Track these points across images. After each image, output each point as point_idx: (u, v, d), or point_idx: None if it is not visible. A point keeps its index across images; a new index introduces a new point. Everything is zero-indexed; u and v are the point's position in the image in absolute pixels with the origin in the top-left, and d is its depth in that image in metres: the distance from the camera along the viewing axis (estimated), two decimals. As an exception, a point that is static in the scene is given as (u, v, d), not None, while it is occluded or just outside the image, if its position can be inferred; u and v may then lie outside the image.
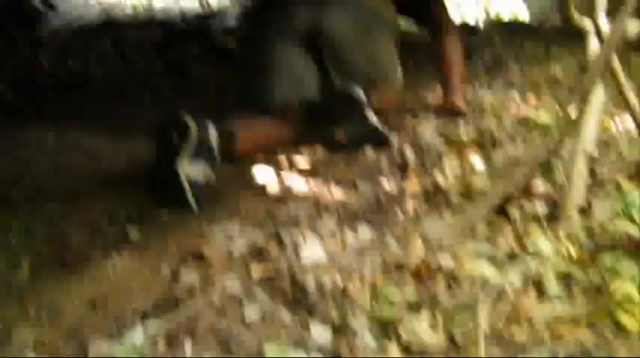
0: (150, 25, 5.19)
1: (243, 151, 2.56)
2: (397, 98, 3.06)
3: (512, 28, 5.07)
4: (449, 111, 3.08)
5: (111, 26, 5.28)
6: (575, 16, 2.31)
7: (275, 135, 2.73)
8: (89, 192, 2.37)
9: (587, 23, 2.24)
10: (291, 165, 2.59)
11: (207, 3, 6.34)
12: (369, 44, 2.90)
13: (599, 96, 2.00)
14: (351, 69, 2.84)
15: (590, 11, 2.36)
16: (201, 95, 3.60)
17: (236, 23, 5.13)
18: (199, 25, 5.15)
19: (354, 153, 2.67)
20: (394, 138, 2.75)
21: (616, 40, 1.97)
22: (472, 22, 5.75)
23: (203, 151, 2.29)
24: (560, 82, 3.54)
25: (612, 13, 2.05)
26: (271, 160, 2.62)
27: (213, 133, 2.35)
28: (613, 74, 2.26)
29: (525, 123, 2.86)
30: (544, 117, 2.91)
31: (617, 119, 2.66)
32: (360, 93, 2.71)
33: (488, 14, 5.95)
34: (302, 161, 2.63)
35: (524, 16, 5.71)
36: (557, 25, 4.86)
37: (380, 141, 2.70)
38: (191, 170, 2.25)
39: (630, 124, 2.35)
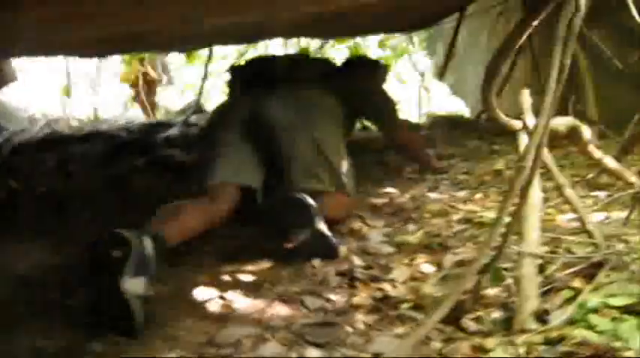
0: (94, 138, 5.10)
1: (172, 239, 2.39)
2: (348, 203, 3.01)
3: (453, 124, 5.13)
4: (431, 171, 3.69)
5: (54, 141, 5.17)
6: (502, 118, 2.32)
7: (204, 217, 2.61)
8: (16, 323, 2.19)
9: (514, 123, 2.24)
10: (235, 281, 2.46)
11: (153, 113, 6.35)
12: (323, 145, 2.91)
13: (535, 194, 1.96)
14: (302, 165, 2.87)
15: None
16: (142, 207, 3.49)
17: (179, 133, 5.11)
18: (143, 136, 5.08)
19: (300, 264, 2.56)
20: (342, 247, 2.66)
21: (543, 136, 1.94)
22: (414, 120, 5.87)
23: (142, 265, 2.13)
24: (505, 177, 3.53)
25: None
26: (214, 276, 2.50)
27: (148, 243, 2.20)
28: (547, 169, 2.25)
29: (474, 222, 2.81)
30: (492, 215, 2.87)
31: (564, 212, 2.63)
32: (309, 199, 2.62)
33: (429, 111, 6.07)
34: (246, 275, 2.51)
35: (464, 111, 5.82)
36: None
37: (328, 251, 2.60)
38: (136, 287, 2.07)
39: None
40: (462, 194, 3.30)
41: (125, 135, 5.19)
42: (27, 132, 5.66)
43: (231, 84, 3.33)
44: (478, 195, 3.26)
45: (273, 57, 3.67)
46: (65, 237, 3.06)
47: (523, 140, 2.31)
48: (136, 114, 7.85)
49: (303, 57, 4.07)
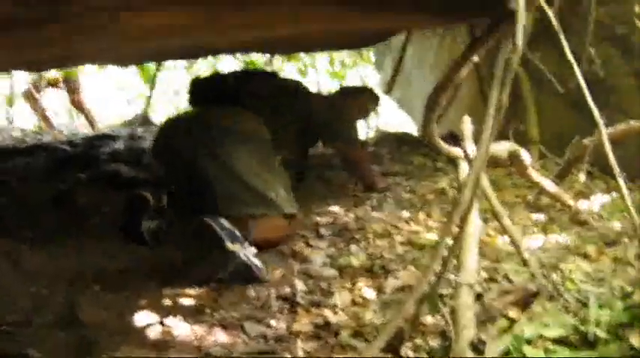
0: (36, 150, 4.96)
1: None
2: (283, 225, 3.00)
3: (400, 141, 5.16)
4: (375, 190, 3.73)
5: (-5, 153, 5.02)
6: (442, 147, 2.33)
7: None
8: None
9: (454, 151, 2.26)
10: (175, 306, 2.42)
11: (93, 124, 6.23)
12: (239, 171, 2.93)
13: (474, 223, 1.97)
14: (220, 192, 2.89)
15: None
16: (85, 224, 3.42)
17: (125, 147, 5.02)
18: (87, 149, 4.98)
19: (241, 287, 2.53)
20: (266, 273, 2.61)
21: (483, 163, 1.95)
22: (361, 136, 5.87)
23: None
24: (448, 196, 3.56)
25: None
26: (154, 300, 2.45)
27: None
28: (486, 197, 2.27)
29: (415, 244, 2.82)
30: (434, 236, 2.88)
31: (502, 237, 2.66)
32: (223, 226, 2.63)
33: (375, 127, 6.11)
34: (186, 299, 2.47)
35: (411, 128, 5.87)
36: (444, 133, 5.00)
37: (249, 277, 2.56)
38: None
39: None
40: (405, 214, 3.31)
41: (69, 149, 5.07)
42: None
43: (189, 97, 3.47)
44: (421, 215, 3.27)
45: (221, 75, 3.68)
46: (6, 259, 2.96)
47: (463, 167, 2.33)
48: (82, 124, 7.69)
49: (256, 73, 4.03)
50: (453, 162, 3.95)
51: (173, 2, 1.65)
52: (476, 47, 2.20)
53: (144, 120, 6.25)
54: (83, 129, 7.08)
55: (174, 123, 3.29)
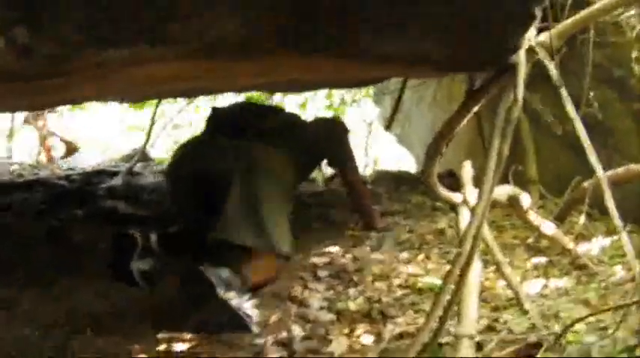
0: (32, 186, 4.93)
1: None
2: (277, 266, 3.01)
3: (398, 179, 5.14)
4: (375, 229, 3.73)
5: (-9, 188, 4.99)
6: (442, 194, 2.32)
7: None
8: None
9: (454, 196, 2.24)
10: (169, 353, 2.37)
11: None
12: (258, 206, 2.99)
13: (474, 273, 1.94)
14: (230, 215, 2.96)
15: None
16: (80, 262, 3.38)
17: (123, 183, 5.00)
18: (84, 185, 4.95)
19: (234, 335, 2.48)
20: (257, 323, 2.55)
21: (483, 216, 1.93)
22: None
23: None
24: (448, 236, 3.53)
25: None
26: (149, 345, 2.41)
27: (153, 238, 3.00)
28: (486, 244, 2.24)
29: (414, 288, 2.78)
30: (434, 279, 2.85)
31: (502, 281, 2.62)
32: (219, 274, 2.64)
33: (374, 165, 6.09)
34: (181, 345, 2.42)
35: (410, 164, 5.85)
36: (443, 172, 4.98)
37: (240, 326, 2.52)
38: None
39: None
40: (404, 255, 3.28)
41: (66, 184, 5.04)
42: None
43: (207, 124, 3.67)
44: (420, 256, 3.24)
45: (243, 107, 3.92)
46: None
47: (463, 214, 2.31)
48: (82, 159, 7.69)
49: (270, 109, 4.30)
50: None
51: (179, 57, 1.66)
52: (477, 98, 2.19)
53: (143, 155, 6.23)
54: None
55: (203, 148, 3.34)
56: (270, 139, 3.29)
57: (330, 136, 3.73)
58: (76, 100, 3.41)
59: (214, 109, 3.76)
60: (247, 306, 2.59)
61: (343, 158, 3.80)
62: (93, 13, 1.38)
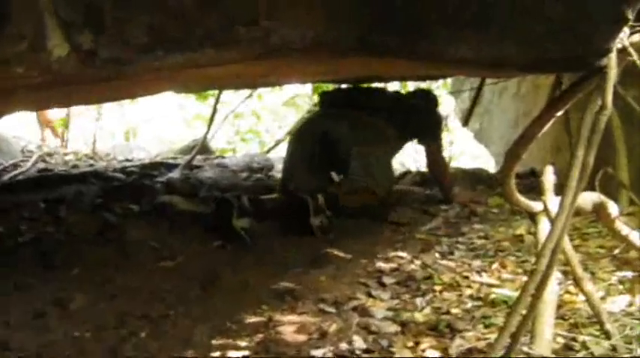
0: (88, 177, 5.12)
1: None
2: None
3: (474, 178, 5.13)
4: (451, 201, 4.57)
5: (45, 180, 5.19)
6: (521, 201, 2.32)
7: None
8: None
9: (533, 205, 2.25)
10: (225, 359, 2.47)
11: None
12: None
13: (551, 289, 1.96)
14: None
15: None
16: (134, 263, 3.51)
17: (181, 177, 5.14)
18: (141, 178, 5.12)
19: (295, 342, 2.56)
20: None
21: (565, 224, 1.95)
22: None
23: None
24: (526, 244, 3.52)
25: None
26: (202, 350, 2.51)
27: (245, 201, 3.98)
28: (565, 257, 2.25)
29: (486, 301, 2.80)
30: (508, 291, 2.86)
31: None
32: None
33: (449, 162, 6.09)
34: (236, 352, 2.51)
35: (488, 162, 5.83)
36: (525, 171, 4.96)
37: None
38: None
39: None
40: (477, 263, 3.30)
41: (122, 176, 5.22)
42: (19, 167, 5.70)
43: (319, 104, 5.00)
44: (495, 265, 3.25)
45: (352, 89, 4.94)
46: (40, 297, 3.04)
47: (543, 224, 2.31)
48: (138, 147, 7.93)
49: (376, 89, 5.17)
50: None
51: (243, 60, 1.74)
52: (563, 100, 2.20)
53: (203, 147, 6.37)
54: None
55: (323, 118, 4.70)
56: (378, 113, 4.49)
57: (423, 108, 4.71)
58: (135, 96, 3.56)
59: (325, 92, 4.99)
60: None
61: (431, 130, 4.70)
62: (158, 16, 1.47)
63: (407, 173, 5.68)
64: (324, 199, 4.08)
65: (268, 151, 8.17)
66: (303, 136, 4.66)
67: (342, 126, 4.44)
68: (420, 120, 4.65)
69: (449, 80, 7.33)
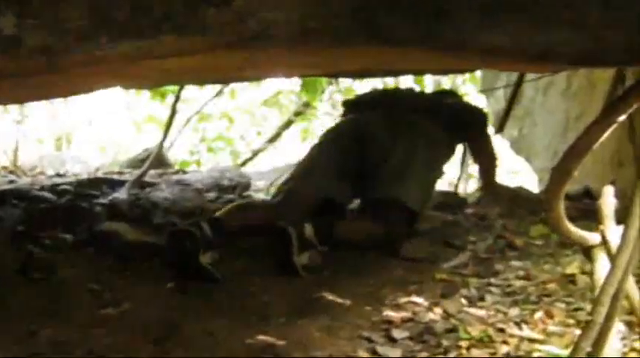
0: (7, 199, 5.10)
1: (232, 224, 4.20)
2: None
3: (514, 200, 5.15)
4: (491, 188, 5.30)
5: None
6: (571, 231, 2.33)
7: (266, 213, 4.53)
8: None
9: (589, 236, 2.26)
10: None
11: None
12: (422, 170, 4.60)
13: (612, 345, 1.98)
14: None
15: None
16: (68, 309, 3.49)
17: (129, 198, 5.13)
18: (77, 198, 5.12)
19: None
20: None
21: (632, 257, 1.97)
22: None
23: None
24: (579, 286, 3.54)
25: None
26: None
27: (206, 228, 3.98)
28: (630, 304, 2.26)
29: (529, 360, 2.82)
30: (556, 349, 2.87)
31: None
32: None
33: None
34: None
35: (531, 183, 5.85)
36: (578, 190, 4.98)
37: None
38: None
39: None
40: (515, 311, 3.31)
41: (52, 197, 5.21)
42: None
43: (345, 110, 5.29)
44: (538, 314, 3.26)
45: (391, 91, 5.88)
46: None
47: (601, 261, 2.33)
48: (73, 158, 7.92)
49: (419, 92, 5.76)
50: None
51: (214, 49, 1.75)
52: (626, 102, 2.21)
53: (158, 159, 6.35)
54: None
55: (369, 117, 4.82)
56: (423, 116, 4.76)
57: (473, 121, 5.17)
58: (71, 94, 3.57)
59: (359, 96, 5.54)
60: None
61: (479, 126, 5.25)
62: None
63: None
64: (315, 229, 4.10)
65: (243, 164, 8.20)
66: (333, 137, 4.86)
67: (380, 126, 4.68)
68: (466, 118, 5.11)
69: (477, 73, 7.38)
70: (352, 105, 5.24)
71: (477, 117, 5.27)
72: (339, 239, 4.26)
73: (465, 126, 5.07)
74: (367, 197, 4.65)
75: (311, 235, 4.06)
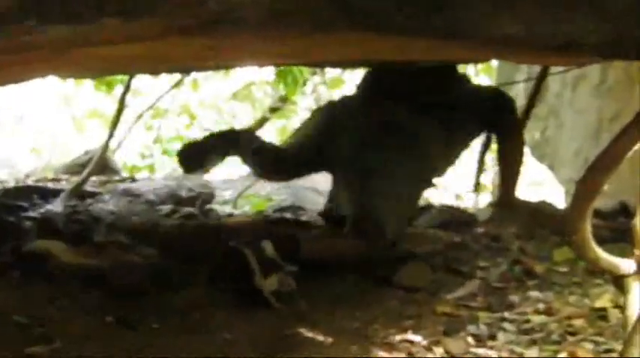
0: None
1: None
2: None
3: (535, 217, 5.18)
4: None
5: None
6: (600, 253, 2.35)
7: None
8: None
9: (621, 263, 2.29)
10: None
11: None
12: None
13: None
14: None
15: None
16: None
17: (65, 209, 5.13)
18: (0, 212, 5.13)
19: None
20: None
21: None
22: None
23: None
24: (611, 323, 3.56)
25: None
26: None
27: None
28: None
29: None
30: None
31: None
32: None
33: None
34: None
35: (556, 196, 5.88)
36: (611, 206, 5.02)
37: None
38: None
39: None
40: (532, 352, 3.34)
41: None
42: None
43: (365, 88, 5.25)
44: (562, 355, 3.29)
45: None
46: None
47: (635, 294, 2.35)
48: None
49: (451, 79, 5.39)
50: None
51: (165, 35, 1.76)
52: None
53: (102, 164, 6.34)
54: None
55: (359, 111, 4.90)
56: (438, 113, 4.80)
57: (499, 105, 5.18)
58: (2, 84, 3.58)
59: (375, 72, 5.22)
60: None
61: (510, 128, 5.27)
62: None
63: (427, 208, 5.67)
64: (276, 246, 4.18)
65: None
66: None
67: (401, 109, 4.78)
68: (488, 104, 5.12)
69: (494, 63, 7.41)
70: (375, 81, 5.15)
71: (504, 102, 5.25)
72: (305, 257, 4.30)
73: (490, 115, 5.08)
74: (338, 210, 4.78)
75: (272, 253, 4.12)
